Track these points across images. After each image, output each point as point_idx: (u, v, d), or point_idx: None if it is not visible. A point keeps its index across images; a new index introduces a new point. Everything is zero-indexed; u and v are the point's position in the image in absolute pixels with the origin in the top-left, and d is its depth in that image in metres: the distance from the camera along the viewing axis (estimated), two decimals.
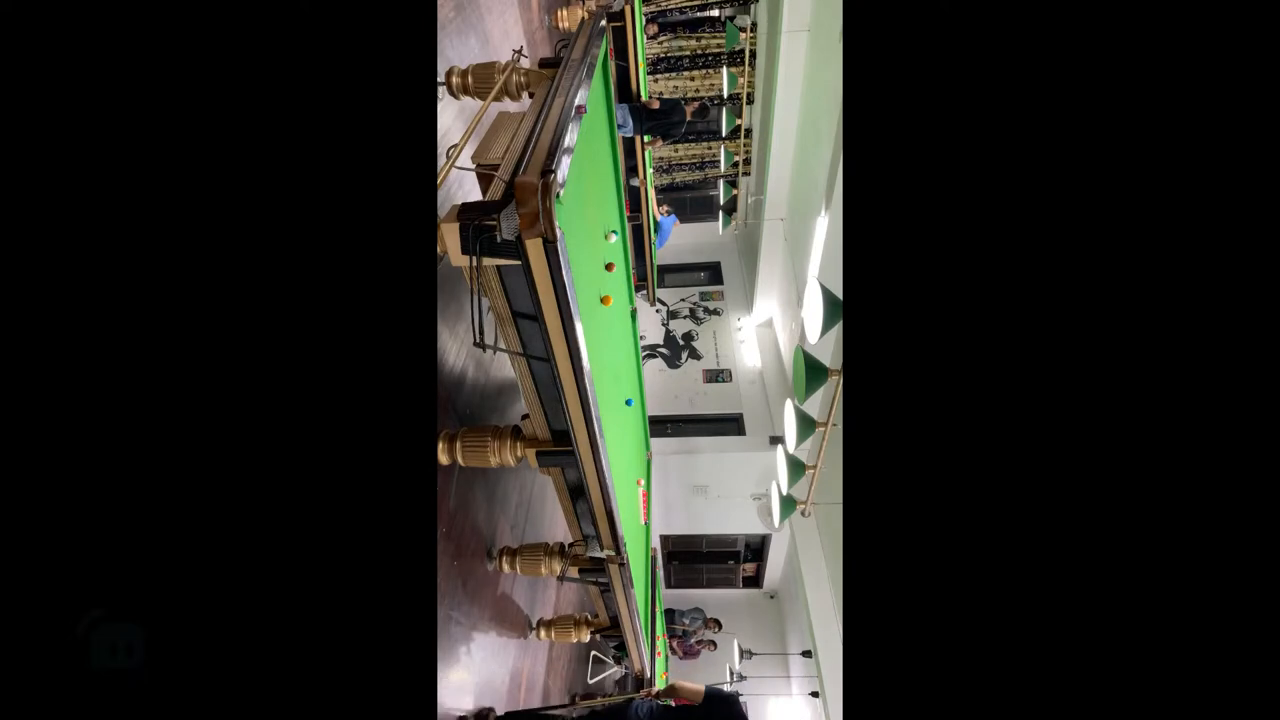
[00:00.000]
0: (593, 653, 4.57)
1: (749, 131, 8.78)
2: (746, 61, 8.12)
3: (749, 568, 9.65)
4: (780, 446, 3.56)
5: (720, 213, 8.69)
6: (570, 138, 1.54)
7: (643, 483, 3.83)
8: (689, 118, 5.57)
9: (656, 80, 8.34)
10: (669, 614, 7.65)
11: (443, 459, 2.18)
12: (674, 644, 7.66)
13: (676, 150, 9.40)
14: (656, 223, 6.91)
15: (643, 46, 5.11)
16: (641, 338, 5.77)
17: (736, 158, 8.93)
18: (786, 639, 9.07)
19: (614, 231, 2.68)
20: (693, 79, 8.46)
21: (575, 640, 3.59)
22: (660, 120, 5.29)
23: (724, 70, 7.90)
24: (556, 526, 3.91)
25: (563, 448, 2.05)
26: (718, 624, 8.00)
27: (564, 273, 1.43)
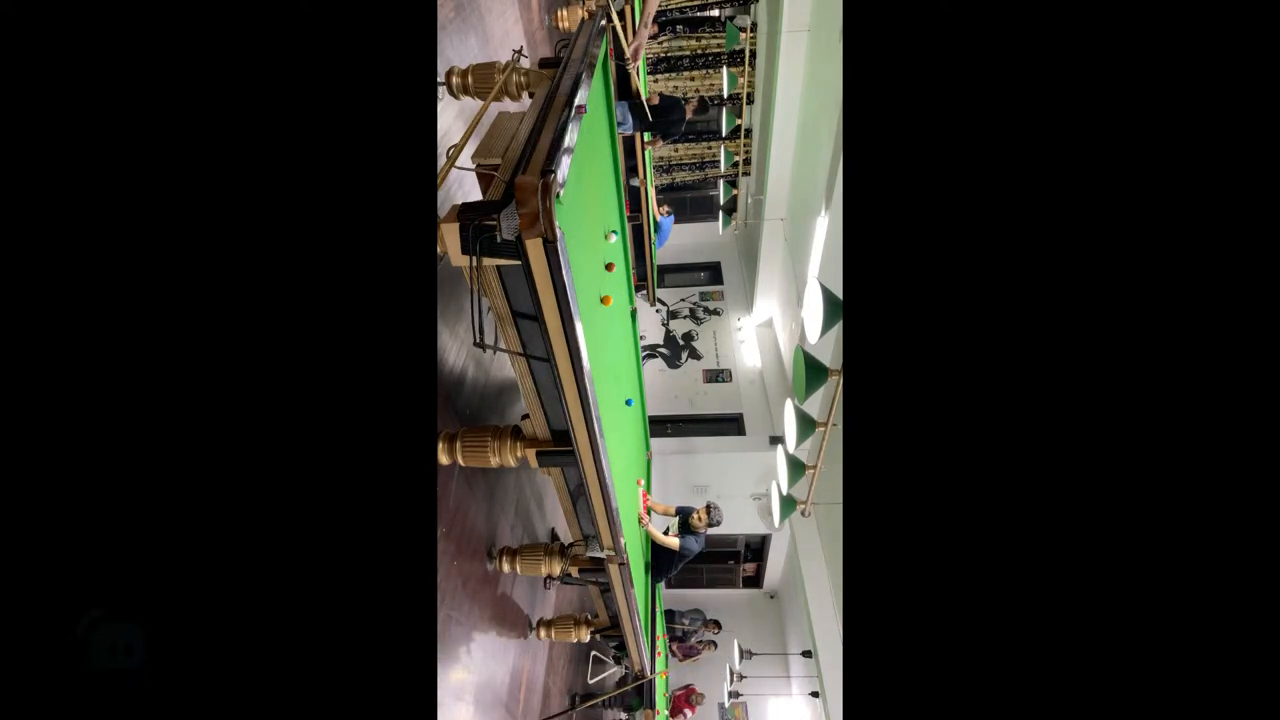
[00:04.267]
0: (593, 653, 4.57)
1: (749, 131, 8.78)
2: (746, 61, 8.11)
3: (749, 568, 9.64)
4: (780, 446, 3.56)
5: (720, 213, 8.69)
6: (570, 138, 1.54)
7: (643, 483, 3.83)
8: (689, 116, 5.56)
9: (656, 80, 8.34)
10: (669, 614, 7.65)
11: (443, 459, 2.18)
12: (674, 646, 7.66)
13: (676, 150, 9.40)
14: (656, 223, 6.91)
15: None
16: (641, 338, 5.77)
17: (736, 158, 8.92)
18: (786, 639, 9.07)
19: (614, 231, 2.68)
20: (693, 79, 8.45)
21: (575, 640, 3.59)
22: (660, 118, 5.28)
23: (724, 70, 7.90)
24: (556, 526, 3.91)
25: (563, 448, 2.05)
26: (717, 625, 8.00)
27: (564, 273, 1.43)
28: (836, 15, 5.59)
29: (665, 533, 3.77)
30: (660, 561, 3.86)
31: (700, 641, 7.94)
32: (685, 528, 3.74)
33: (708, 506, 3.67)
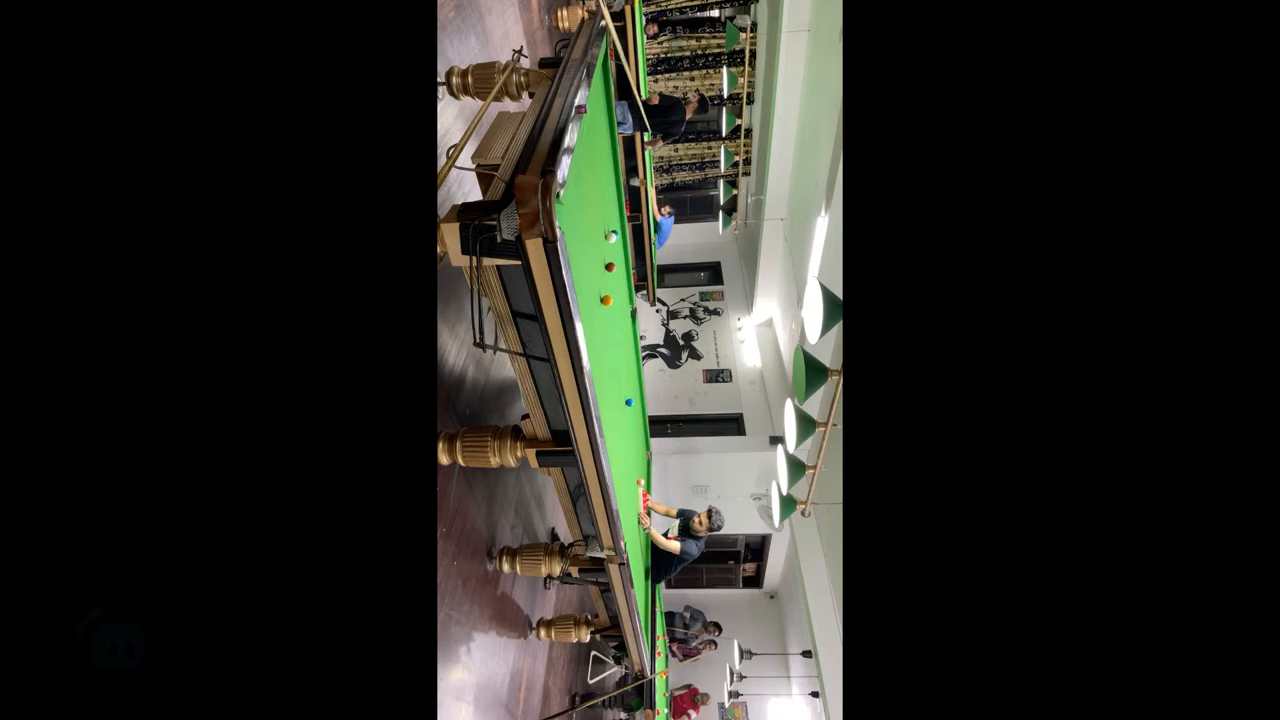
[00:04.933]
0: (593, 653, 4.57)
1: (749, 131, 8.78)
2: (746, 61, 8.11)
3: (749, 568, 9.64)
4: (780, 446, 3.56)
5: (720, 213, 8.68)
6: (570, 138, 1.54)
7: (643, 482, 3.83)
8: (689, 116, 5.56)
9: (657, 80, 8.34)
10: (669, 616, 7.64)
11: (443, 459, 2.18)
12: (674, 646, 7.65)
13: (676, 150, 9.40)
14: (656, 223, 6.91)
15: (643, 46, 5.11)
16: (641, 338, 5.77)
17: (736, 158, 8.92)
18: (786, 639, 9.07)
19: (614, 231, 2.68)
20: (693, 79, 8.45)
21: (575, 640, 3.59)
22: (660, 118, 5.28)
23: (724, 70, 7.90)
24: (556, 526, 3.91)
25: (563, 448, 2.06)
26: (718, 627, 8.00)
27: (564, 273, 1.43)
28: (836, 15, 5.59)
29: (665, 534, 3.77)
30: (660, 563, 3.87)
31: (700, 642, 7.94)
32: (686, 531, 3.75)
33: (709, 511, 3.67)
